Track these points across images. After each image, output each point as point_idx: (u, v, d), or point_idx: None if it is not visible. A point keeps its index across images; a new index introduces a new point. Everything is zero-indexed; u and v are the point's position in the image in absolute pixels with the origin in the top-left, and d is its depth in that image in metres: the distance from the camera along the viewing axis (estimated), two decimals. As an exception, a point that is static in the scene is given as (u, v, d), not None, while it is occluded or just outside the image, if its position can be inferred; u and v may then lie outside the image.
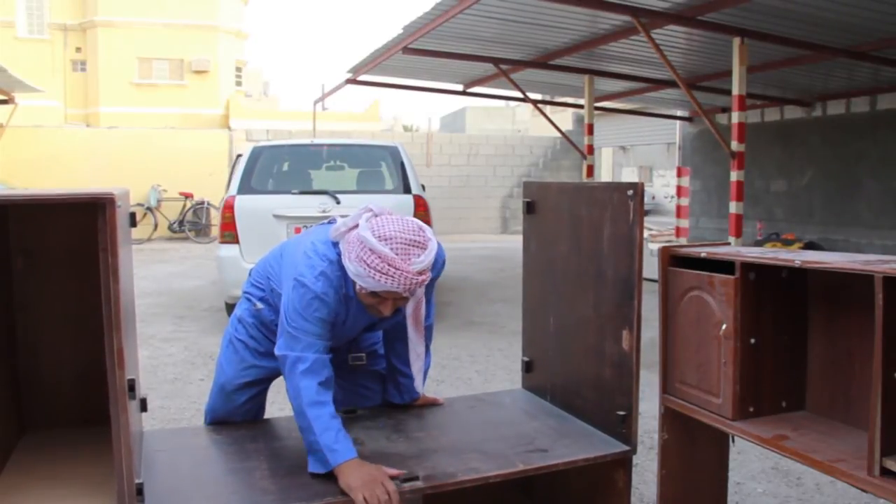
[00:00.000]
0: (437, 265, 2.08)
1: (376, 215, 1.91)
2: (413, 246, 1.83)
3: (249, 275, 2.38)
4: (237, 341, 2.27)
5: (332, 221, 2.12)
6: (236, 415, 2.29)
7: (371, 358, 2.39)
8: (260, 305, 2.27)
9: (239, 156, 6.86)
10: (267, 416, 2.46)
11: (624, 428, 2.04)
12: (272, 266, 2.25)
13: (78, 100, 24.56)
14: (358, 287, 1.88)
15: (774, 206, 10.42)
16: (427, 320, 2.25)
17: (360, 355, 2.34)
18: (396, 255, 1.81)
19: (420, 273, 1.83)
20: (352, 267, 1.85)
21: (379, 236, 1.82)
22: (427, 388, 4.39)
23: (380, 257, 1.80)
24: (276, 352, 1.95)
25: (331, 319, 1.95)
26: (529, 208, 2.50)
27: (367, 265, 1.81)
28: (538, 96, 12.08)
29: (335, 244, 1.97)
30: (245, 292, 2.34)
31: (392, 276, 1.81)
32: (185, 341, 5.65)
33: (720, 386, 2.00)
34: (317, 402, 1.85)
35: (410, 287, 1.83)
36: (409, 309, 2.11)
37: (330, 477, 1.80)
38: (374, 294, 1.89)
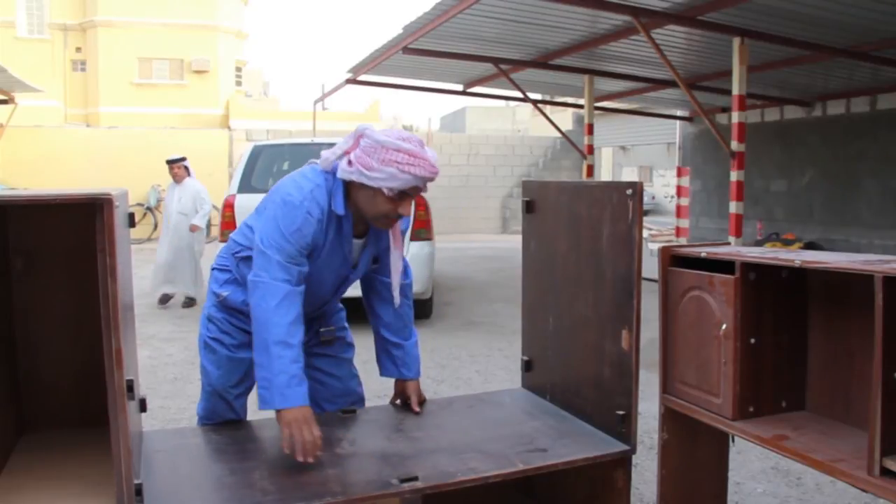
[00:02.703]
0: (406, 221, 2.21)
1: (367, 131, 2.02)
2: (419, 144, 1.99)
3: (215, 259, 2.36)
4: (212, 341, 2.25)
5: (313, 163, 2.17)
6: (231, 412, 2.29)
7: (338, 344, 2.39)
8: (224, 293, 2.24)
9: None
10: (267, 416, 2.46)
11: (623, 427, 2.04)
12: (248, 227, 2.23)
13: (78, 100, 24.54)
14: (386, 191, 1.96)
15: (774, 206, 10.42)
16: (405, 278, 2.32)
17: (330, 328, 2.37)
18: (416, 147, 1.96)
19: (435, 164, 1.99)
20: (378, 174, 1.94)
21: (396, 138, 1.96)
22: (427, 387, 4.40)
23: (406, 153, 1.94)
24: (248, 277, 1.99)
25: (311, 242, 2.00)
26: (529, 207, 2.50)
27: (397, 163, 1.93)
28: (538, 96, 12.09)
29: (325, 172, 2.05)
30: (211, 279, 2.30)
31: (420, 166, 1.95)
32: (185, 341, 5.65)
33: (720, 386, 2.00)
34: (283, 342, 1.89)
35: (431, 174, 1.98)
36: (390, 231, 2.16)
37: (329, 477, 1.81)
38: (397, 196, 1.97)
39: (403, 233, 2.24)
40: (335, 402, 2.38)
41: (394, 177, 1.94)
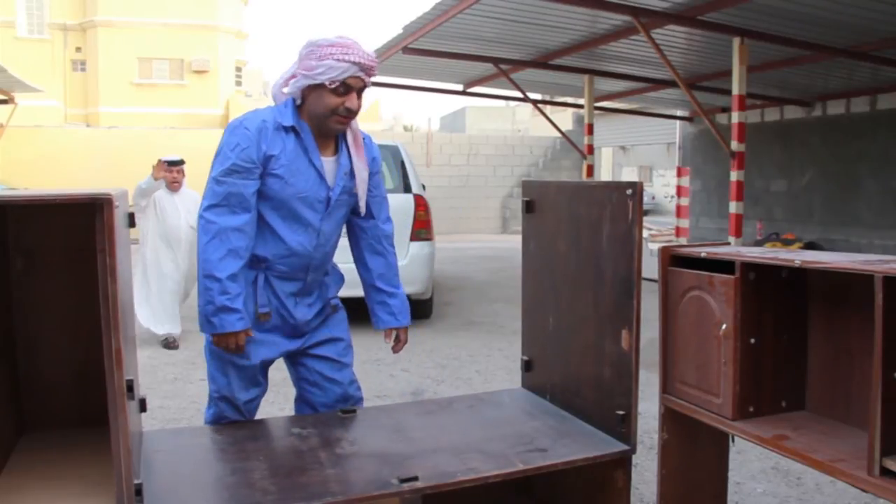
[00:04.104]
0: (373, 152, 2.37)
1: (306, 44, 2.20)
2: (354, 40, 2.15)
3: None
4: (215, 347, 2.23)
5: None
6: (239, 416, 2.29)
7: (342, 347, 2.41)
8: None
9: None
10: (267, 416, 2.46)
11: (623, 427, 2.04)
12: None
13: (78, 100, 24.55)
14: (328, 83, 2.10)
15: (774, 206, 10.41)
16: (386, 225, 2.43)
17: (334, 298, 2.42)
18: (349, 40, 2.14)
19: (370, 53, 2.15)
20: (318, 70, 2.10)
21: (331, 36, 2.14)
22: (427, 387, 4.40)
23: (339, 45, 2.11)
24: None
25: (259, 154, 2.11)
26: (529, 207, 2.50)
27: (332, 55, 2.09)
28: (538, 96, 12.08)
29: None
30: None
31: (355, 53, 2.11)
32: (185, 341, 5.65)
33: (720, 386, 2.00)
34: (211, 275, 2.06)
35: (368, 62, 2.13)
36: (350, 139, 2.27)
37: (329, 477, 1.81)
38: (342, 88, 2.12)
39: (375, 163, 2.37)
40: (334, 408, 2.38)
41: (332, 67, 2.09)
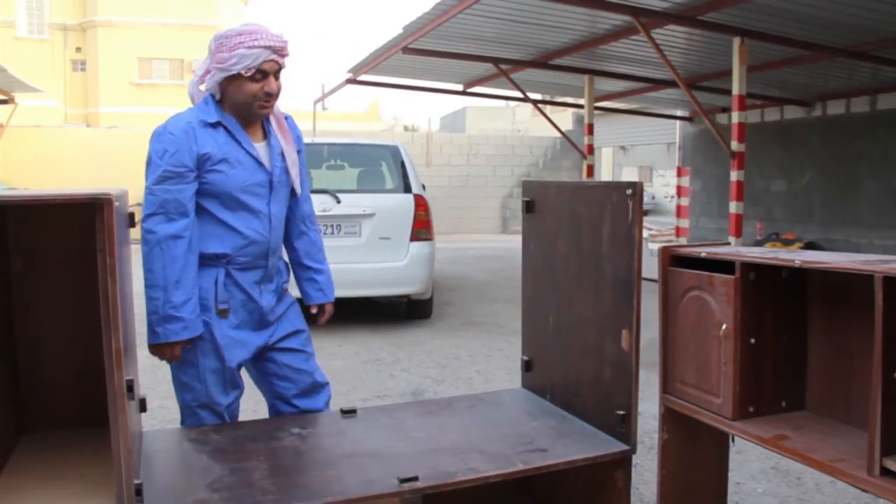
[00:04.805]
0: (296, 131, 2.42)
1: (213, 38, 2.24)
2: (259, 25, 2.18)
3: None
4: (188, 353, 2.20)
5: None
6: (222, 422, 2.29)
7: (304, 337, 2.44)
8: None
9: None
10: (266, 415, 2.46)
11: (623, 427, 2.04)
12: None
13: (78, 100, 24.55)
14: (244, 71, 2.13)
15: (774, 206, 10.42)
16: (305, 204, 2.48)
17: (286, 280, 2.46)
18: (255, 27, 2.16)
19: (278, 34, 2.18)
20: (232, 60, 2.12)
21: (238, 27, 2.19)
22: (427, 387, 4.40)
23: (246, 33, 2.14)
24: None
25: (192, 156, 2.12)
26: (529, 207, 2.50)
27: (242, 44, 2.12)
28: (538, 96, 12.08)
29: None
30: None
31: (264, 38, 2.14)
32: (185, 341, 5.64)
33: (720, 386, 2.00)
34: (155, 285, 2.08)
35: (278, 44, 2.15)
36: (274, 123, 2.33)
37: (329, 477, 1.81)
38: (259, 74, 2.15)
39: (299, 140, 2.44)
40: (304, 398, 2.40)
41: (245, 56, 2.12)
